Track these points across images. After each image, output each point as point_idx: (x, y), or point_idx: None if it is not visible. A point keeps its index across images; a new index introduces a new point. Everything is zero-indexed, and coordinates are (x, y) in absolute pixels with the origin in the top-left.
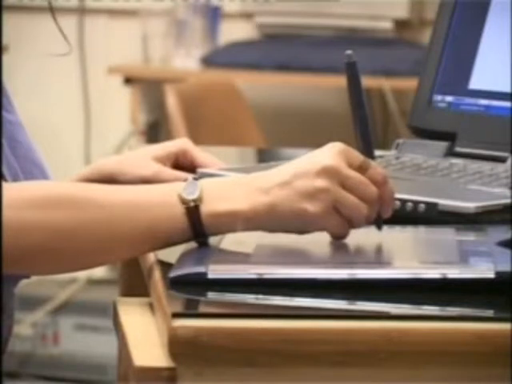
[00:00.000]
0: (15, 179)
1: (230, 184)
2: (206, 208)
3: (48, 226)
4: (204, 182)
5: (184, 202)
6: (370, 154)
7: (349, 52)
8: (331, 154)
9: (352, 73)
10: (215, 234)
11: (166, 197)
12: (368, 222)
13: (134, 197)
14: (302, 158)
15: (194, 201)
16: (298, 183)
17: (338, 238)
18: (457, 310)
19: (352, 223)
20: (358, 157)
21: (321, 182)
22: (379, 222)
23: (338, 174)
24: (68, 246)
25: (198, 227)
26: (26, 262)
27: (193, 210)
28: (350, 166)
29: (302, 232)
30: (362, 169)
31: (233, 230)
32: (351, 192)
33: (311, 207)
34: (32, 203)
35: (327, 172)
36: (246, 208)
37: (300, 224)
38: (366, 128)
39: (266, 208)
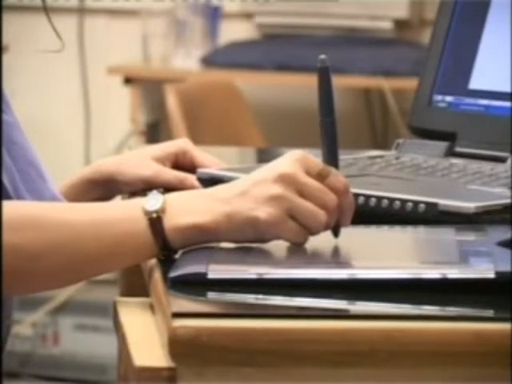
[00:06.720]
0: (12, 181)
1: (193, 196)
2: (168, 222)
3: (15, 247)
4: (168, 195)
5: (147, 214)
6: (333, 162)
7: (322, 56)
8: (289, 161)
9: (324, 78)
10: (180, 247)
11: (130, 211)
12: (326, 228)
13: (98, 214)
14: (264, 166)
15: (156, 212)
16: (254, 191)
17: (295, 245)
18: (457, 309)
19: (310, 230)
20: (316, 164)
21: (276, 189)
22: (337, 230)
23: (295, 182)
24: (36, 267)
25: (162, 239)
26: None
27: (156, 222)
28: (309, 173)
29: (259, 241)
30: (320, 176)
31: (197, 242)
32: (308, 199)
33: (263, 214)
34: None
35: (283, 179)
36: (207, 220)
37: (254, 232)
38: (333, 135)
39: (226, 218)
